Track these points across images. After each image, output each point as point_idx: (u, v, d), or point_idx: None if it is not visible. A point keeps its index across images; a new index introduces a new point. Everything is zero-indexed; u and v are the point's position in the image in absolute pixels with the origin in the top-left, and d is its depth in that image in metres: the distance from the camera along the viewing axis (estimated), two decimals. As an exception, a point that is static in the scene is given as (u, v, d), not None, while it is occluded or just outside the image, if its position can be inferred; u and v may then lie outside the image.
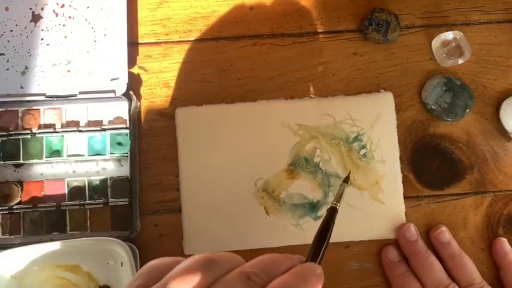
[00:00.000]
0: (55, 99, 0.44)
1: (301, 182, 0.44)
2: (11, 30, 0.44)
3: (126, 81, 0.44)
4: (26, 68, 0.44)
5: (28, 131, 0.44)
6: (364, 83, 0.46)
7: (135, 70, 0.45)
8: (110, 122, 0.45)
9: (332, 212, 0.33)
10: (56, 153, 0.44)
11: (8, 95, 0.44)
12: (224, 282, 0.24)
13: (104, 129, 0.44)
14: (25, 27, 0.44)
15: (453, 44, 0.45)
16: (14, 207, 0.43)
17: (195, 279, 0.23)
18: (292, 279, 0.25)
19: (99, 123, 0.45)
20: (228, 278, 0.24)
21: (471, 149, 0.45)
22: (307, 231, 0.43)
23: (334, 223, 0.32)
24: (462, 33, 0.45)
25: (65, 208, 0.43)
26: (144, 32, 0.46)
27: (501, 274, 0.43)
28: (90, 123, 0.45)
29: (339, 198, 0.35)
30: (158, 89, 0.45)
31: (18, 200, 0.43)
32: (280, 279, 0.25)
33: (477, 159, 0.45)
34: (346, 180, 0.38)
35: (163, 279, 0.24)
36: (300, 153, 0.44)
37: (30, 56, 0.44)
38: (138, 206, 0.43)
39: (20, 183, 0.44)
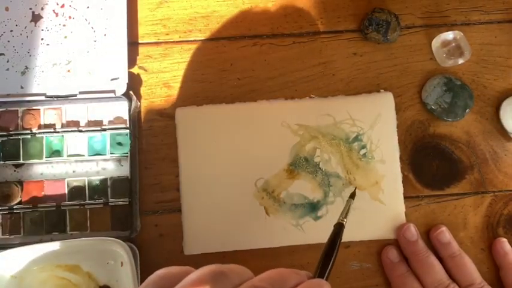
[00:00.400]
0: (55, 99, 0.44)
1: (301, 182, 0.44)
2: (11, 30, 0.44)
3: (126, 81, 0.44)
4: (26, 68, 0.44)
5: (28, 131, 0.44)
6: (364, 83, 0.46)
7: (135, 70, 0.45)
8: (110, 122, 0.45)
9: (339, 228, 0.34)
10: (56, 153, 0.44)
11: (8, 95, 0.44)
12: None
13: (104, 129, 0.44)
14: (25, 27, 0.44)
15: (453, 44, 0.45)
16: (14, 207, 0.43)
17: None
18: None
19: (99, 123, 0.45)
20: None
21: (471, 149, 0.45)
22: (307, 231, 0.43)
23: (341, 239, 0.33)
24: (462, 33, 0.45)
25: (65, 208, 0.43)
26: (144, 32, 0.46)
27: (501, 274, 0.43)
28: (90, 123, 0.45)
29: (345, 214, 0.35)
30: (158, 89, 0.45)
31: (18, 200, 0.43)
32: None
33: (477, 159, 0.45)
34: (353, 196, 0.38)
35: None
36: (300, 153, 0.44)
37: (30, 56, 0.44)
38: (138, 206, 0.43)
39: (20, 183, 0.44)
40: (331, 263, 0.31)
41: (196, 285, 0.23)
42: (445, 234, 0.43)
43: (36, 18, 0.45)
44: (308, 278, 0.27)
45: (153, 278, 0.25)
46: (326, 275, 0.30)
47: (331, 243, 0.32)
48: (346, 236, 0.43)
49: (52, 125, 0.44)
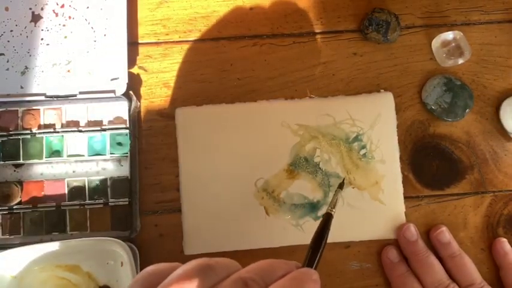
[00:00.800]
0: (55, 99, 0.44)
1: (301, 182, 0.44)
2: (11, 30, 0.44)
3: (126, 81, 0.44)
4: (26, 68, 0.44)
5: (28, 131, 0.44)
6: (364, 83, 0.46)
7: (135, 70, 0.45)
8: (110, 122, 0.45)
9: (327, 218, 0.34)
10: (56, 153, 0.44)
11: (8, 95, 0.44)
12: None
13: (104, 129, 0.44)
14: (25, 27, 0.44)
15: (453, 44, 0.45)
16: (14, 207, 0.43)
17: (192, 285, 0.23)
18: (289, 284, 0.25)
19: (99, 123, 0.45)
20: (225, 284, 0.24)
21: (471, 149, 0.45)
22: (307, 231, 0.43)
23: (329, 229, 0.33)
24: (462, 33, 0.45)
25: (65, 208, 0.43)
26: (144, 32, 0.46)
27: (501, 274, 0.43)
28: (90, 123, 0.45)
29: (334, 204, 0.35)
30: (158, 89, 0.45)
31: (18, 200, 0.43)
32: (278, 284, 0.25)
33: (477, 159, 0.45)
34: (341, 186, 0.38)
35: (159, 285, 0.24)
36: (300, 153, 0.44)
37: (30, 56, 0.44)
38: (138, 206, 0.43)
39: (20, 183, 0.44)
40: (319, 252, 0.31)
41: (183, 279, 0.24)
42: (445, 234, 0.43)
43: (36, 18, 0.45)
44: (297, 267, 0.27)
45: (142, 275, 0.25)
46: (315, 264, 0.30)
47: (319, 233, 0.32)
48: (346, 236, 0.43)
49: (52, 125, 0.44)
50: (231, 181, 0.43)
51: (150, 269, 0.26)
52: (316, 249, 0.31)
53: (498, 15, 0.47)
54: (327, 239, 0.32)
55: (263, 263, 0.26)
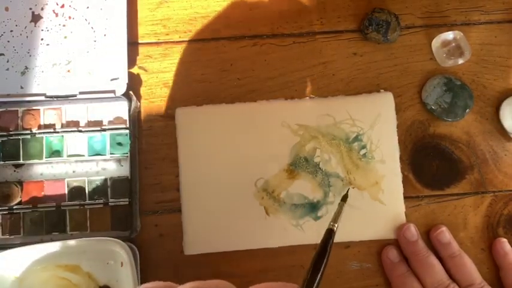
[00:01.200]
0: (55, 99, 0.44)
1: (301, 182, 0.44)
2: (11, 31, 0.44)
3: (126, 81, 0.44)
4: (26, 68, 0.44)
5: (28, 131, 0.44)
6: (364, 83, 0.46)
7: (135, 70, 0.45)
8: (110, 122, 0.45)
9: (329, 235, 0.32)
10: (56, 153, 0.44)
11: (8, 95, 0.44)
12: None
13: (104, 130, 0.44)
14: (25, 28, 0.44)
15: (453, 44, 0.45)
16: (14, 207, 0.43)
17: None
18: None
19: (99, 123, 0.45)
20: None
21: (471, 149, 0.45)
22: (307, 231, 0.43)
23: (331, 246, 0.32)
24: (462, 33, 0.45)
25: (65, 208, 0.43)
26: (144, 32, 0.46)
27: (501, 274, 0.43)
28: (90, 123, 0.44)
29: (336, 218, 0.34)
30: (158, 89, 0.45)
31: (18, 200, 0.43)
32: None
33: (477, 159, 0.45)
34: (344, 199, 0.38)
35: None
36: (300, 153, 0.44)
37: (30, 56, 0.44)
38: (138, 206, 0.43)
39: (20, 183, 0.44)
40: (320, 272, 0.30)
41: None
42: (445, 234, 0.43)
43: (36, 18, 0.45)
44: None
45: None
46: (315, 285, 0.29)
47: (321, 251, 0.31)
48: (346, 236, 0.43)
49: (52, 125, 0.44)
50: (231, 181, 0.43)
51: (146, 286, 0.26)
52: (317, 268, 0.30)
53: (498, 15, 0.47)
54: (329, 257, 0.31)
55: (263, 286, 0.26)
